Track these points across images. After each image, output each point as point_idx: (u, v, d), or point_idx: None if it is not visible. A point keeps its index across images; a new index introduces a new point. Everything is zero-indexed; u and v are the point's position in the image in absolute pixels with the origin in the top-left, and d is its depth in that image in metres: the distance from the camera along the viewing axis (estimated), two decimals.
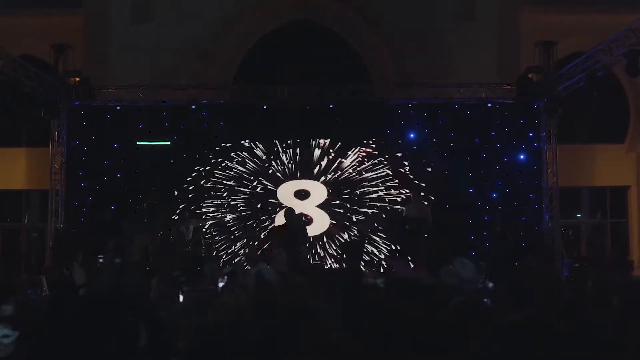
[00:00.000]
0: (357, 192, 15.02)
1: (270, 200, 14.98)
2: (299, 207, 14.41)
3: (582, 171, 16.23)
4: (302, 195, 15.05)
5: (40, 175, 15.73)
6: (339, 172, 15.09)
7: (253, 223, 14.85)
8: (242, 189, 15.08)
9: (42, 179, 15.55)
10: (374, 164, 15.07)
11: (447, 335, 4.51)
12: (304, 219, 13.44)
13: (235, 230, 14.94)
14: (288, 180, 15.12)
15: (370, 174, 15.07)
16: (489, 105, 15.10)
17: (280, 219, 14.28)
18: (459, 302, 5.60)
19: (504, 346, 4.26)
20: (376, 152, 15.07)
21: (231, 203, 15.00)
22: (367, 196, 15.01)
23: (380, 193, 14.99)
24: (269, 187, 15.09)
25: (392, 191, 14.97)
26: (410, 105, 15.13)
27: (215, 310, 4.89)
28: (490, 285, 6.18)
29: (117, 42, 15.88)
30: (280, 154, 15.12)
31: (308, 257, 13.24)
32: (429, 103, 15.10)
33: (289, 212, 13.00)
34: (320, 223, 14.86)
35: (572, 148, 15.86)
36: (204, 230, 14.38)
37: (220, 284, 11.47)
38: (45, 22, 15.94)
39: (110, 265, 7.11)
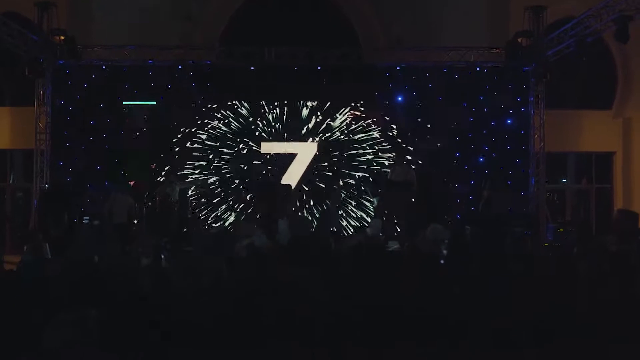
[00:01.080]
0: (346, 154, 15.00)
1: (254, 162, 14.91)
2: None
3: (569, 136, 16.23)
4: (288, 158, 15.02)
5: (25, 134, 15.54)
6: (328, 134, 15.04)
7: (238, 185, 14.81)
8: (226, 150, 15.02)
9: (27, 138, 15.37)
10: (363, 127, 15.03)
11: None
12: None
13: (220, 192, 14.90)
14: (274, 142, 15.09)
15: (360, 135, 15.02)
16: (478, 69, 15.04)
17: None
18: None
19: None
20: (364, 115, 15.04)
21: (215, 165, 14.95)
22: (357, 159, 14.99)
23: (370, 156, 14.97)
24: (254, 147, 15.03)
25: (381, 154, 14.97)
26: (398, 68, 15.05)
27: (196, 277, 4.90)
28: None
29: (102, 0, 15.62)
30: (267, 114, 15.04)
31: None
32: (418, 66, 15.02)
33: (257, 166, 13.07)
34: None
35: (559, 113, 15.84)
36: (189, 192, 14.36)
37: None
38: None
39: (88, 229, 6.99)
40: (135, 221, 12.75)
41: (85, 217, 11.94)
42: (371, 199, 14.04)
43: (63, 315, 3.38)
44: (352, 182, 15.02)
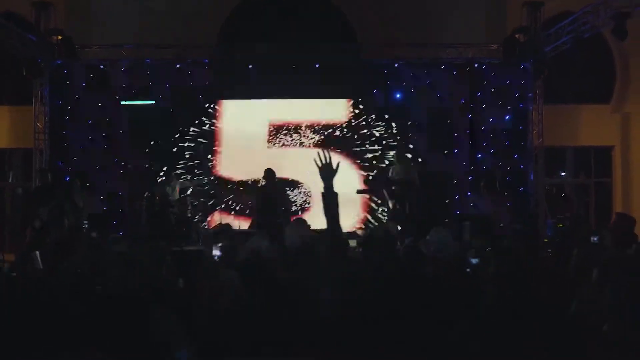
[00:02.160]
0: (352, 150, 14.97)
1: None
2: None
3: (567, 131, 16.23)
4: None
5: (23, 134, 15.55)
6: (330, 130, 15.03)
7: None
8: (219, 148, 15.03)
9: (25, 137, 15.39)
10: (368, 122, 15.01)
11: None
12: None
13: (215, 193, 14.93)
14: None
15: (364, 130, 15.01)
16: (476, 65, 15.04)
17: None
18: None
19: None
20: (361, 112, 15.04)
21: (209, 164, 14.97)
22: (364, 156, 15.00)
23: (377, 154, 14.97)
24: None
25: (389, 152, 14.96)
26: (396, 65, 15.03)
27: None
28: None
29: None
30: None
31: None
32: (416, 63, 15.01)
33: (269, 172, 12.95)
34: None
35: (558, 108, 15.84)
36: (188, 191, 14.37)
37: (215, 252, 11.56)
38: None
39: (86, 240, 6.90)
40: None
41: (84, 222, 11.89)
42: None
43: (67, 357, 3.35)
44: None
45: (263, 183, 13.12)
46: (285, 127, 15.04)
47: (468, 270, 6.04)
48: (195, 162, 14.85)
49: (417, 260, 6.46)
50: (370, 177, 14.73)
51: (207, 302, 5.30)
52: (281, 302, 4.74)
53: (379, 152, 14.94)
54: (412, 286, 5.22)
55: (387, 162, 14.69)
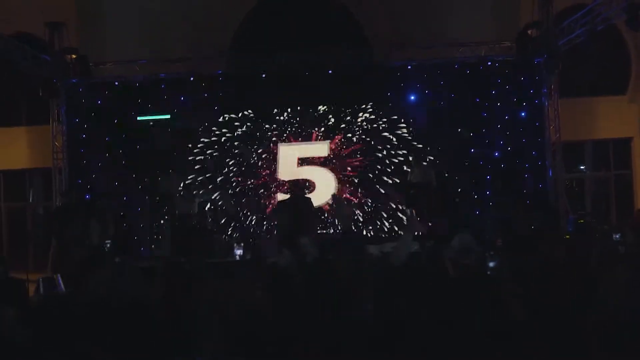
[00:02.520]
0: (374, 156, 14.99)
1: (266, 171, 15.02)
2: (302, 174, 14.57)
3: (584, 124, 16.13)
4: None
5: (42, 153, 15.72)
6: (349, 134, 15.03)
7: (255, 196, 14.88)
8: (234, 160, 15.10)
9: (44, 157, 15.55)
10: (387, 126, 15.01)
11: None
12: (307, 184, 13.59)
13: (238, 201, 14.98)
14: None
15: (386, 133, 15.00)
16: (489, 63, 14.91)
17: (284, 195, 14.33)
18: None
19: None
20: (373, 117, 15.02)
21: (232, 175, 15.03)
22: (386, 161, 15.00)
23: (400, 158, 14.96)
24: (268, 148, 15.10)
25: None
26: (409, 67, 14.99)
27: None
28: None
29: (111, 16, 15.72)
30: (278, 118, 15.08)
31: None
32: (429, 64, 14.96)
33: (293, 183, 12.95)
34: (325, 189, 14.92)
35: (574, 101, 15.73)
36: (210, 202, 14.43)
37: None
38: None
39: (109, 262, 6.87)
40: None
41: (106, 241, 11.97)
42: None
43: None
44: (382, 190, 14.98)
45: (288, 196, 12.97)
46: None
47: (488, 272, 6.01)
48: (208, 175, 14.91)
49: (439, 263, 6.48)
50: (389, 182, 14.70)
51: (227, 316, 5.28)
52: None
53: (394, 154, 14.91)
54: (434, 290, 5.23)
55: (404, 166, 14.69)
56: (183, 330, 4.77)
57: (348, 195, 14.77)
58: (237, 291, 5.24)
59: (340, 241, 9.53)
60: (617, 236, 8.56)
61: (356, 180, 14.91)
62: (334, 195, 14.48)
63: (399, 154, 14.91)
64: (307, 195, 13.41)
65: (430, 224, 13.00)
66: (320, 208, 14.59)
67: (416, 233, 11.22)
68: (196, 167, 14.95)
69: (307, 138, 15.08)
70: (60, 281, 8.08)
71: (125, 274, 5.09)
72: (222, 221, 14.67)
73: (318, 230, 13.72)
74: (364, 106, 15.01)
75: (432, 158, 14.54)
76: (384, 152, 14.95)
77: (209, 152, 15.00)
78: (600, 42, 14.88)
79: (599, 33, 13.15)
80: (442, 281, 5.53)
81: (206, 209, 14.14)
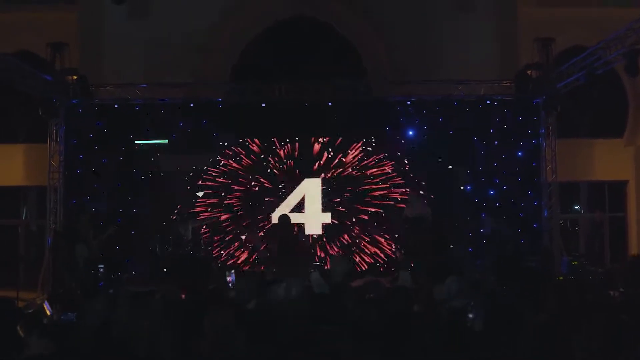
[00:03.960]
0: (359, 190, 15.01)
1: (267, 199, 14.97)
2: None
3: (580, 165, 16.20)
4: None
5: (38, 171, 15.64)
6: (340, 169, 15.06)
7: (252, 227, 14.86)
8: (237, 187, 15.08)
9: (40, 175, 15.48)
10: (376, 162, 15.04)
11: None
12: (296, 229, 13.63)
13: (231, 230, 14.94)
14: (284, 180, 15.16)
15: (374, 170, 15.03)
16: (488, 102, 15.02)
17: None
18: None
19: None
20: (371, 149, 15.08)
21: (225, 203, 15.00)
22: (370, 194, 15.00)
23: (383, 192, 14.98)
24: (265, 185, 15.07)
25: (398, 189, 14.96)
26: (409, 102, 15.06)
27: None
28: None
29: (112, 38, 15.75)
30: (279, 151, 15.08)
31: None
32: (428, 100, 15.03)
33: (284, 218, 12.95)
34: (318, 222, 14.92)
35: (570, 142, 15.81)
36: (201, 230, 14.39)
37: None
38: (40, 18, 15.83)
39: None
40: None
41: (100, 266, 11.91)
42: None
43: None
44: (366, 217, 14.99)
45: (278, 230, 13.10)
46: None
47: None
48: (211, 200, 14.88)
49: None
50: (384, 215, 14.72)
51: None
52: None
53: (391, 189, 14.92)
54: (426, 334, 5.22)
55: (399, 199, 14.71)
56: None
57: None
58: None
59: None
60: None
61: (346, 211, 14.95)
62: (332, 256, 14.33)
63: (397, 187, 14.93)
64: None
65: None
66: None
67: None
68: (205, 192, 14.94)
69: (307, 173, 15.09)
70: (48, 306, 8.00)
71: (119, 307, 5.08)
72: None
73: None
74: (363, 139, 15.02)
75: (422, 192, 14.52)
76: (378, 185, 14.97)
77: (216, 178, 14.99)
78: (599, 87, 14.99)
79: (598, 79, 13.22)
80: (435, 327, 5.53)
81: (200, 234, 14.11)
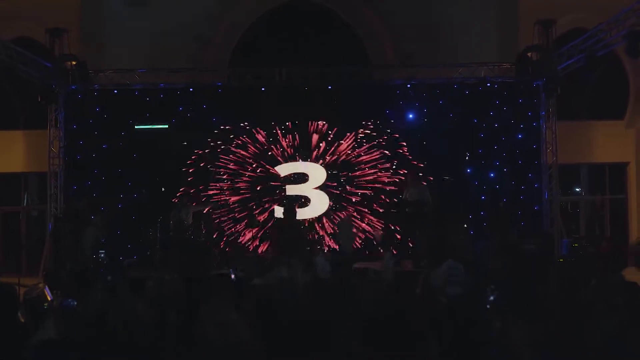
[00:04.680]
0: (352, 174, 15.01)
1: (271, 183, 14.99)
2: (297, 190, 14.60)
3: (581, 148, 16.16)
4: (300, 178, 15.04)
5: (38, 157, 15.64)
6: (337, 155, 15.05)
7: (253, 207, 14.87)
8: (242, 172, 15.07)
9: (40, 161, 15.49)
10: (372, 146, 15.02)
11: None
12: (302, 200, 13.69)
13: (238, 212, 14.95)
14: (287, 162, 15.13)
15: (367, 156, 15.02)
16: (488, 84, 14.98)
17: (279, 212, 14.50)
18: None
19: None
20: (374, 134, 15.01)
21: (234, 186, 15.00)
22: (363, 178, 15.00)
23: (374, 176, 14.98)
24: (269, 169, 15.08)
25: (385, 173, 14.96)
26: (409, 85, 15.02)
27: None
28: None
29: (112, 24, 15.74)
30: (279, 137, 15.06)
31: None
32: (428, 83, 14.99)
33: (289, 206, 13.08)
34: (319, 204, 14.93)
35: (571, 125, 15.77)
36: (205, 213, 14.41)
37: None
38: (41, 4, 15.74)
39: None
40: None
41: (101, 251, 11.94)
42: None
43: None
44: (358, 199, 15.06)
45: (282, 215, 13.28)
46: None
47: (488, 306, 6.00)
48: (209, 185, 14.89)
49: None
50: (385, 199, 14.73)
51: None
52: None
53: (391, 173, 14.91)
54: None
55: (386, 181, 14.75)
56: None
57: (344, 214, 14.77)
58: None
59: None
60: None
61: (353, 199, 14.93)
62: (340, 221, 14.38)
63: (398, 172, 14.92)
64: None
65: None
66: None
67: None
68: (189, 180, 14.87)
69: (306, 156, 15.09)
70: (49, 292, 8.01)
71: (117, 294, 5.07)
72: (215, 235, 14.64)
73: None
74: (363, 123, 14.99)
75: (431, 178, 14.51)
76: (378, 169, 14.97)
77: (202, 164, 14.94)
78: (599, 69, 14.92)
79: (598, 61, 13.16)
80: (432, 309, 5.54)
81: (201, 219, 14.12)
